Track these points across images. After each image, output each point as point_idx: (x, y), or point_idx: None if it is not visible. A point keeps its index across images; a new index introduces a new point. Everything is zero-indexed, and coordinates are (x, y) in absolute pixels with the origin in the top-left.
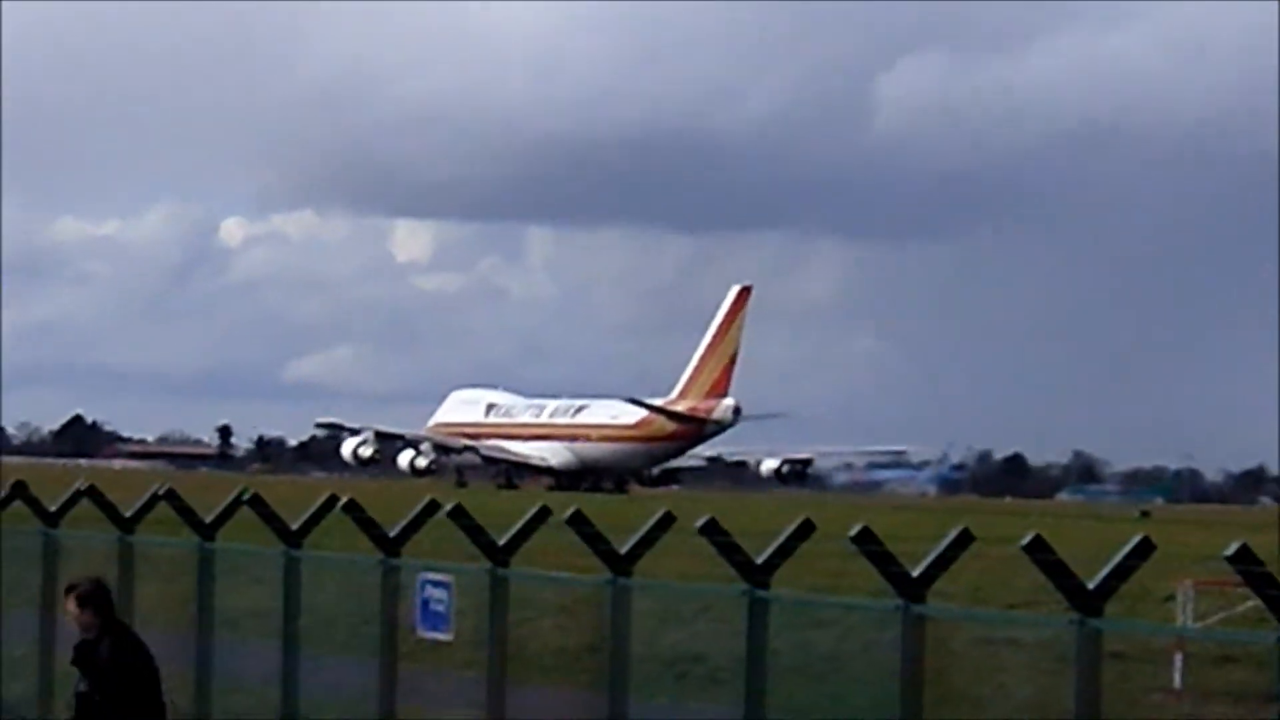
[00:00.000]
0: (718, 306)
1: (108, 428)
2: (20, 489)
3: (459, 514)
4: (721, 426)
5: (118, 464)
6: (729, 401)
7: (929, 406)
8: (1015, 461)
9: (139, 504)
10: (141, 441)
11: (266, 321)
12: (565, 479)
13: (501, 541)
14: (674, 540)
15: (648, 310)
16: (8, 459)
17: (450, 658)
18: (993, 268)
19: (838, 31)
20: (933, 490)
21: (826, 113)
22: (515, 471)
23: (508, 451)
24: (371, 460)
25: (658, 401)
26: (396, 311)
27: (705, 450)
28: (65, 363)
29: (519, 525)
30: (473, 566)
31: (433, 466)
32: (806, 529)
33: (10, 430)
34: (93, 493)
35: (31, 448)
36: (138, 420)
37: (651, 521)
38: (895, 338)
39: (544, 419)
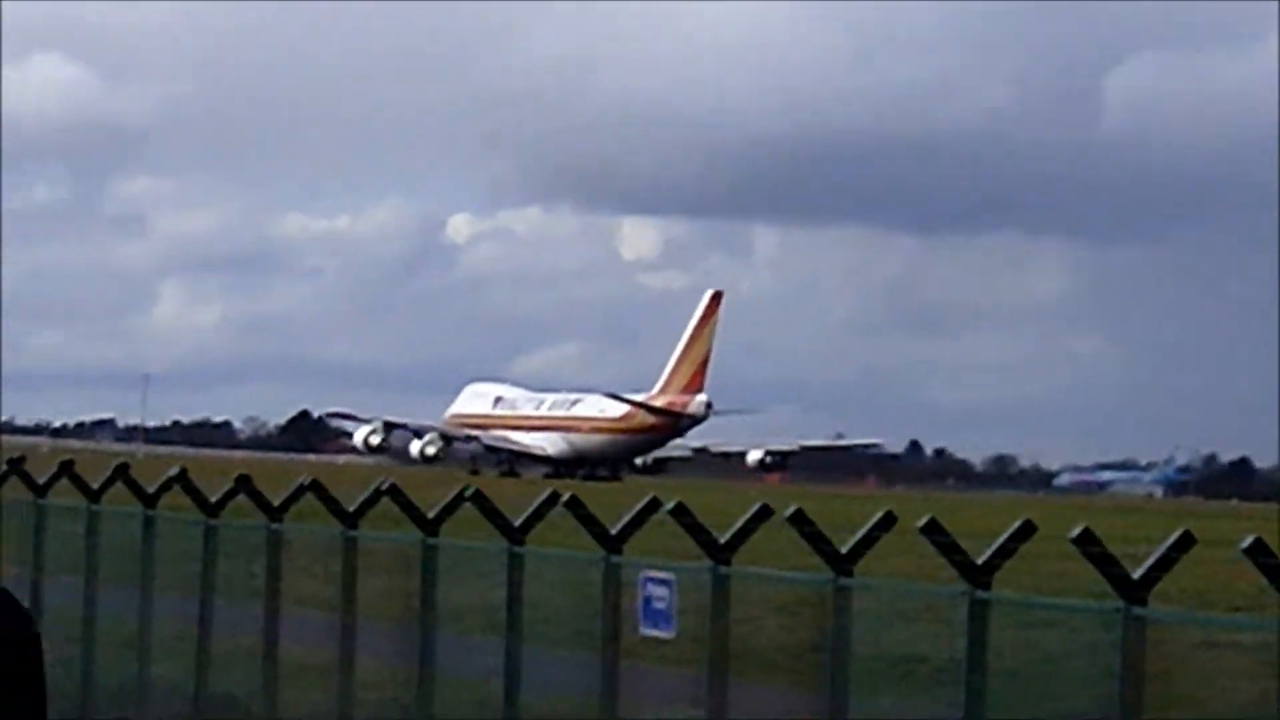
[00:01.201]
0: (947, 304)
1: (333, 423)
2: (244, 483)
3: (681, 512)
4: (695, 420)
5: (342, 459)
6: (702, 397)
7: (1155, 408)
8: (1241, 465)
9: (362, 499)
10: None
11: (492, 318)
12: (561, 467)
13: (723, 540)
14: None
15: (874, 309)
16: (234, 453)
17: (672, 655)
18: (1220, 268)
19: (1065, 25)
20: (1158, 492)
21: (1056, 110)
22: (516, 460)
23: (511, 441)
24: (380, 448)
25: (639, 397)
26: (622, 308)
27: (693, 442)
28: (292, 357)
29: (740, 523)
30: (694, 564)
31: (440, 454)
32: (1027, 530)
33: (237, 425)
34: (316, 487)
35: (258, 442)
36: (367, 413)
37: (872, 521)
38: (1122, 338)
39: (543, 411)
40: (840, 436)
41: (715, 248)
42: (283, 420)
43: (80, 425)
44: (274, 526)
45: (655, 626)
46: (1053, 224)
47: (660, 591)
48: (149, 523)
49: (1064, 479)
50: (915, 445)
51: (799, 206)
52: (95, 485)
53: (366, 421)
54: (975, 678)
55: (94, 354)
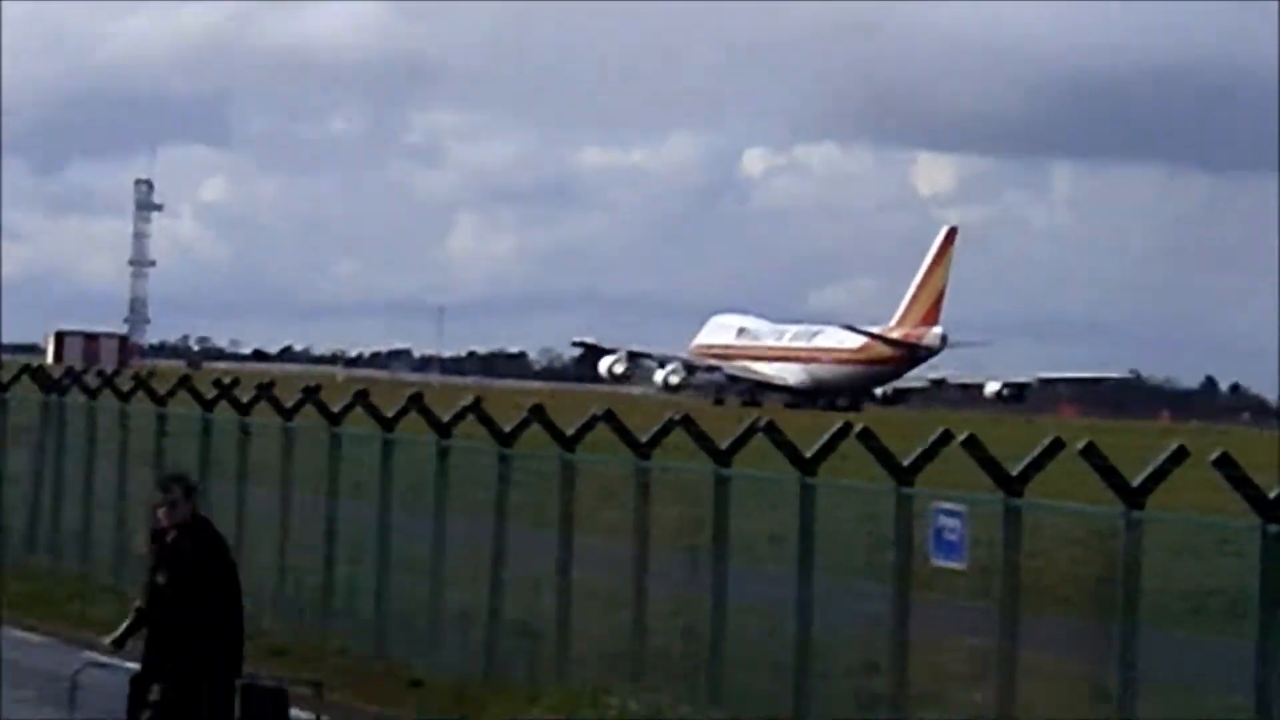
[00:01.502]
0: (1251, 240)
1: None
2: (538, 412)
3: (972, 444)
4: (931, 352)
5: (637, 390)
6: (937, 330)
7: None
8: None
9: (655, 430)
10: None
11: (788, 252)
12: (802, 397)
13: (1015, 472)
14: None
15: (1168, 248)
16: (528, 384)
17: (963, 587)
18: None
19: None
20: None
21: None
22: (757, 390)
23: (752, 371)
24: (625, 376)
25: (876, 329)
26: (919, 245)
27: (931, 374)
28: (588, 289)
29: (1032, 456)
30: (987, 495)
31: (683, 384)
32: None
33: (532, 355)
34: (610, 417)
35: (552, 373)
36: (657, 348)
37: (1164, 455)
38: None
39: (784, 342)
40: (1134, 373)
41: (1012, 184)
42: (577, 351)
43: (376, 355)
44: (567, 456)
45: (947, 558)
46: None
47: (952, 523)
48: (443, 452)
49: None
50: (1210, 381)
51: (1094, 144)
52: (390, 414)
53: (611, 351)
54: (1269, 611)
55: (391, 284)
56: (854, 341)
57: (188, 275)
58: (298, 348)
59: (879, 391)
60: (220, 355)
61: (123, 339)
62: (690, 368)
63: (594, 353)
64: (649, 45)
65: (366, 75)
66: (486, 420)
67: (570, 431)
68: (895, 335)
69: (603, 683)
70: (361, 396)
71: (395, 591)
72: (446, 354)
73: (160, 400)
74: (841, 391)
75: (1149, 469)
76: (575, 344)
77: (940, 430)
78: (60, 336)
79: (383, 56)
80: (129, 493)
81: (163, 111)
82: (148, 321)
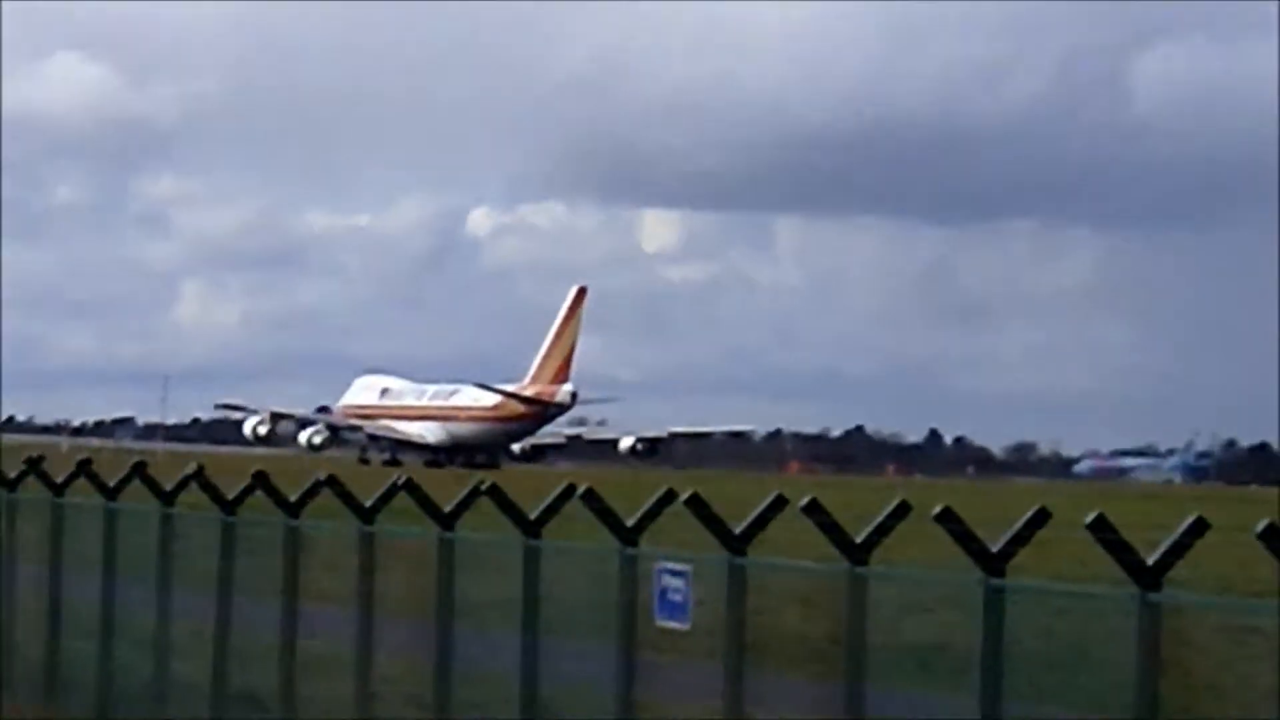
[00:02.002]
0: (969, 294)
1: (223, 413)
2: (261, 479)
3: (696, 503)
4: (562, 408)
5: (288, 451)
6: (568, 387)
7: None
8: (1261, 450)
9: (378, 494)
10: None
11: (516, 311)
12: (441, 454)
13: (738, 530)
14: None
15: (898, 299)
16: (253, 450)
17: (689, 647)
18: (1241, 258)
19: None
20: (1178, 478)
21: (1079, 100)
22: (397, 448)
23: (394, 430)
24: (267, 437)
25: (509, 388)
26: (645, 300)
27: (566, 430)
28: (316, 354)
29: (755, 513)
30: (711, 556)
31: (326, 444)
32: (1042, 517)
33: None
34: (333, 483)
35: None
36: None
37: (887, 510)
38: (1143, 326)
39: (424, 402)
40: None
41: (738, 239)
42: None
43: (100, 423)
44: (291, 523)
45: (671, 618)
46: (1075, 214)
47: (676, 583)
48: (166, 520)
49: (1084, 465)
50: (935, 434)
51: (821, 198)
52: (112, 484)
53: (255, 412)
54: (991, 666)
55: (117, 352)
56: (490, 399)
57: None
58: (20, 417)
59: (517, 448)
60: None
61: None
62: (333, 428)
63: (239, 413)
64: (375, 107)
65: (90, 142)
66: (209, 487)
67: (294, 497)
68: (528, 393)
69: None
70: (84, 465)
71: (120, 663)
72: (171, 421)
73: None
74: (479, 448)
75: (872, 524)
76: (218, 406)
77: (665, 489)
78: None
79: (106, 120)
80: None
81: None
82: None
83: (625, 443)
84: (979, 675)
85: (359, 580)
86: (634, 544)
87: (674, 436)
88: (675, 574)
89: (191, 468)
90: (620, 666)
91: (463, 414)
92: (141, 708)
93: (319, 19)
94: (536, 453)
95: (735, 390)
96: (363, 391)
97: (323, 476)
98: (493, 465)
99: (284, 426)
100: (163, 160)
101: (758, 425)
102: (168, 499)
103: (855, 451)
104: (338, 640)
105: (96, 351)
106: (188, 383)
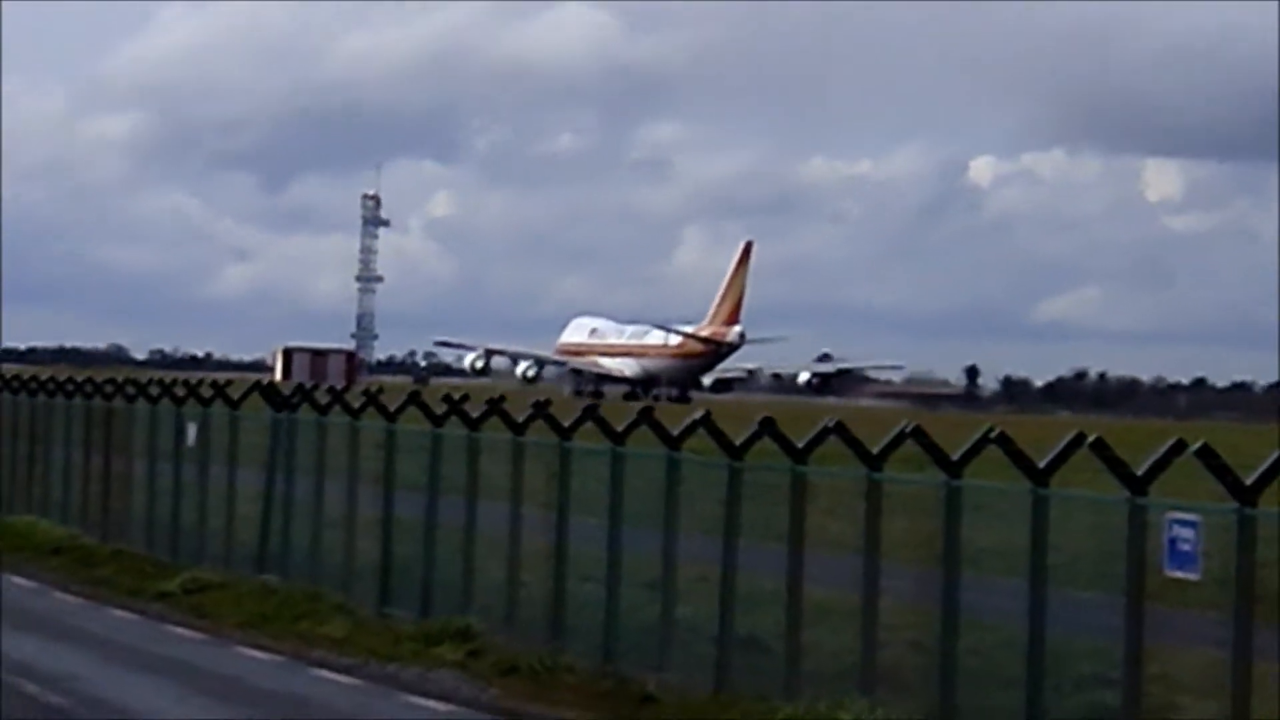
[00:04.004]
0: None
1: (440, 350)
2: (768, 425)
3: (1206, 454)
4: (733, 347)
5: (864, 403)
6: (737, 328)
7: None
8: None
9: (885, 441)
10: (888, 381)
11: (1015, 261)
12: (637, 387)
13: (1249, 481)
14: None
15: None
16: (755, 397)
17: (1197, 597)
18: None
19: None
20: None
21: None
22: (599, 380)
23: (598, 365)
24: (483, 371)
25: (688, 329)
26: (1146, 252)
27: (749, 364)
28: (815, 301)
29: (1267, 464)
30: (1220, 505)
31: (538, 377)
32: None
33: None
34: (840, 429)
35: (782, 386)
36: (885, 359)
37: None
38: None
39: (623, 340)
40: None
41: (1241, 190)
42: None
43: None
44: (798, 469)
45: (1181, 568)
46: None
47: (1186, 533)
48: (673, 465)
49: None
50: None
51: None
52: (620, 428)
53: (473, 348)
54: None
55: (616, 299)
56: (674, 339)
57: (414, 291)
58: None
59: (707, 381)
60: (447, 370)
61: (349, 355)
62: (542, 362)
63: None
64: (877, 54)
65: (593, 88)
66: (716, 433)
67: (801, 443)
68: (704, 333)
69: (833, 697)
70: (590, 411)
71: (625, 607)
72: None
73: (390, 416)
74: (669, 381)
75: None
76: (437, 343)
77: (1174, 439)
78: (288, 353)
79: (610, 68)
80: (359, 509)
81: (389, 127)
82: (375, 337)
83: (803, 376)
84: None
85: (865, 526)
86: (1143, 493)
87: (841, 373)
88: (1185, 524)
89: (699, 413)
90: (1128, 616)
91: (652, 351)
92: (645, 650)
93: None
94: (724, 385)
95: (1232, 342)
96: (576, 330)
97: (831, 423)
98: (684, 399)
99: (498, 360)
100: (664, 108)
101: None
102: (674, 444)
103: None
104: (841, 586)
105: (596, 299)
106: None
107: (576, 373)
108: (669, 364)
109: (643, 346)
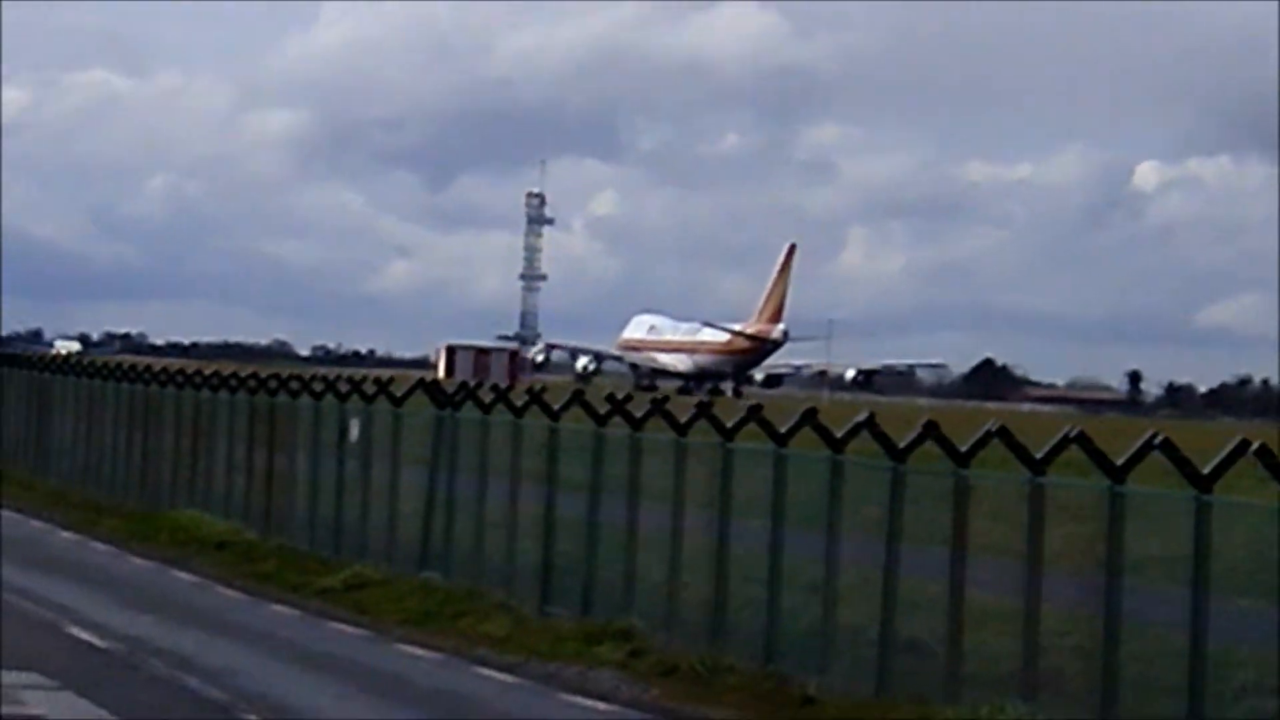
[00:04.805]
0: None
1: (1018, 371)
2: (932, 428)
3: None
4: (777, 344)
5: (1026, 407)
6: (781, 326)
7: None
8: None
9: (1049, 446)
10: (1050, 386)
11: (1178, 267)
12: (690, 381)
13: None
14: None
15: None
16: (917, 400)
17: None
18: None
19: None
20: None
21: None
22: (655, 375)
23: (655, 360)
24: (543, 364)
25: (736, 326)
26: None
27: (797, 360)
28: (977, 305)
29: None
30: None
31: (597, 371)
32: None
33: (920, 372)
34: (1003, 434)
35: (942, 390)
36: (1047, 364)
37: None
38: None
39: (678, 337)
40: None
41: None
42: (966, 368)
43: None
44: (961, 472)
45: None
46: None
47: None
48: (836, 467)
49: None
50: None
51: None
52: (783, 429)
53: (533, 344)
54: None
55: None
56: (724, 336)
57: (577, 289)
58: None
59: (760, 376)
60: (749, 380)
61: (512, 353)
62: (600, 357)
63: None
64: (1040, 57)
65: (756, 87)
66: (880, 435)
67: (964, 447)
68: (750, 331)
69: (995, 702)
70: (754, 411)
71: (786, 609)
72: (835, 371)
73: (554, 415)
74: (718, 376)
75: None
76: (498, 337)
77: (1238, 440)
78: (451, 351)
79: (773, 68)
80: (521, 508)
81: (553, 125)
82: (538, 335)
83: (849, 374)
84: None
85: (1028, 531)
86: None
87: (885, 368)
88: None
89: (862, 415)
90: None
91: (703, 347)
92: (806, 653)
93: None
94: (774, 380)
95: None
96: (636, 328)
97: (994, 427)
98: (737, 393)
99: (557, 354)
100: (826, 109)
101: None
102: (837, 446)
103: None
104: (1003, 591)
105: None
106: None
107: (634, 367)
108: (718, 359)
109: (694, 343)
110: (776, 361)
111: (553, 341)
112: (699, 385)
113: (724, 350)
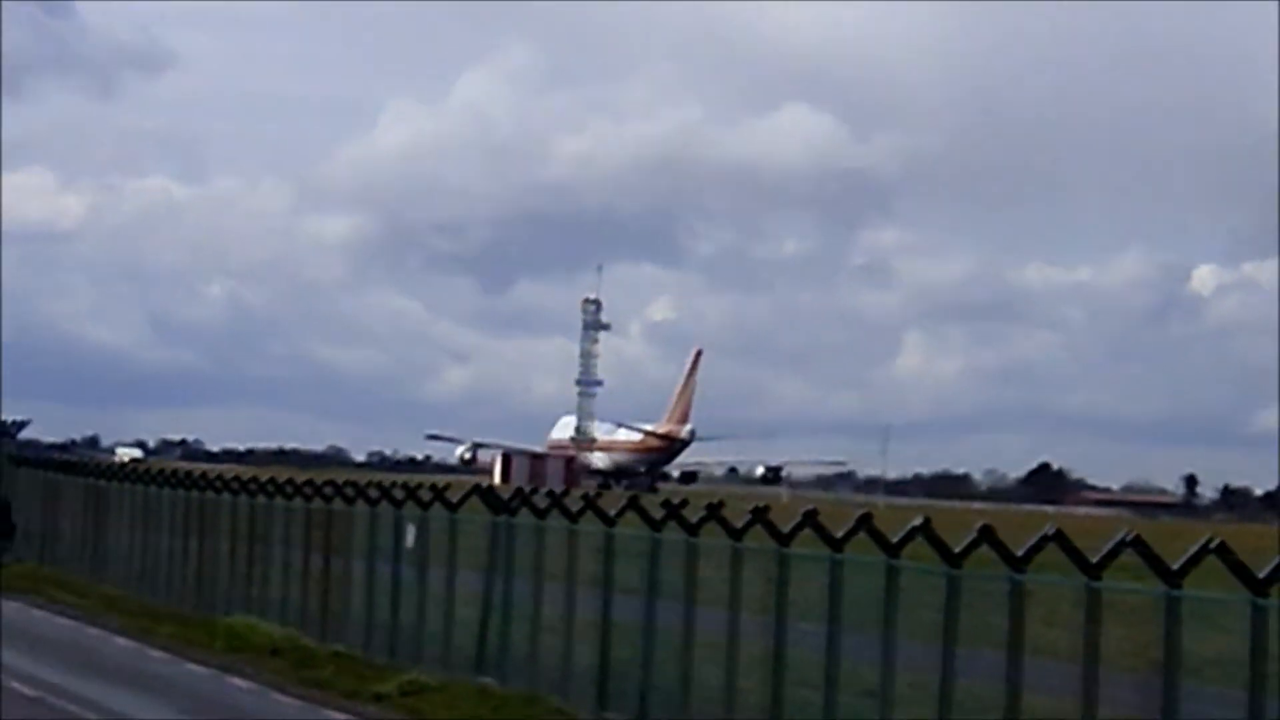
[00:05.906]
0: None
1: (1074, 474)
2: (987, 533)
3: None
4: (685, 443)
5: (1081, 511)
6: (689, 426)
7: None
8: None
9: (1105, 549)
10: (1106, 489)
11: (1234, 369)
12: (609, 478)
13: None
14: None
15: None
16: (972, 504)
17: None
18: None
19: None
20: None
21: None
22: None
23: (578, 458)
24: (469, 463)
25: (648, 427)
26: None
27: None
28: (1034, 408)
29: None
30: None
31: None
32: None
33: (976, 476)
34: (1059, 538)
35: (997, 493)
36: (1103, 467)
37: None
38: None
39: (599, 436)
40: None
41: None
42: (1022, 472)
43: (819, 477)
44: (1016, 576)
45: None
46: None
47: None
48: (892, 572)
49: None
50: None
51: None
52: (838, 534)
53: (461, 442)
54: None
55: (836, 402)
56: (637, 436)
57: (633, 394)
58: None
59: (676, 473)
60: (664, 476)
61: (569, 459)
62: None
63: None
64: (1093, 162)
65: (814, 190)
66: (935, 540)
67: (1020, 551)
68: (661, 431)
69: None
70: (810, 516)
71: (843, 714)
72: (891, 475)
73: (609, 520)
74: (633, 473)
75: None
76: (429, 436)
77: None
78: (507, 457)
79: (830, 171)
80: (577, 612)
81: (610, 229)
82: (594, 440)
83: (758, 471)
84: None
85: (1084, 634)
86: None
87: (782, 466)
88: None
89: (918, 520)
90: None
91: (618, 446)
92: None
93: (1037, 72)
94: (689, 476)
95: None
96: (561, 429)
97: (1050, 531)
98: (652, 489)
99: (484, 454)
100: (883, 212)
101: None
102: (893, 551)
103: None
104: (1060, 693)
105: (814, 402)
106: (907, 435)
107: (568, 462)
108: (632, 457)
109: (610, 441)
110: (686, 459)
111: (480, 440)
112: (617, 481)
113: (638, 449)
